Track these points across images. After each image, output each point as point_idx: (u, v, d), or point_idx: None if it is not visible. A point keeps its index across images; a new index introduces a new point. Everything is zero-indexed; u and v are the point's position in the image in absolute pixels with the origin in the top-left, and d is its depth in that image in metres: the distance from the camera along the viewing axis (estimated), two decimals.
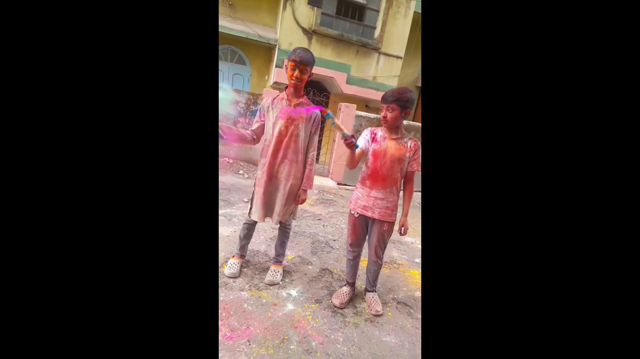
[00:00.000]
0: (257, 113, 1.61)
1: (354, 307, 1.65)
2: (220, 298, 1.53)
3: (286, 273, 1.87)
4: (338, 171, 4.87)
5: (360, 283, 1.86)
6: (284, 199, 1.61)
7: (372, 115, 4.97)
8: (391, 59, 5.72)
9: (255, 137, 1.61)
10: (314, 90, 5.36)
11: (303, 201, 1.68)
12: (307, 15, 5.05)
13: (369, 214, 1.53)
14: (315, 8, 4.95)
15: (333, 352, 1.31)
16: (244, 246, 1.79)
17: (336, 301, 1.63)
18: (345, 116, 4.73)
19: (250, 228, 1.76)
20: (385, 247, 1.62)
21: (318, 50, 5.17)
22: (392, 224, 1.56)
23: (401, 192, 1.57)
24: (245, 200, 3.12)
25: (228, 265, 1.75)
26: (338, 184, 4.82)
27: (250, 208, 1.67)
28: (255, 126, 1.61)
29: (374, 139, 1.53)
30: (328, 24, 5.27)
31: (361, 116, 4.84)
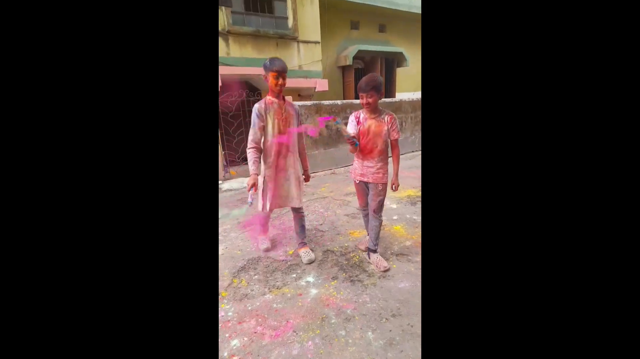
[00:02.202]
0: (256, 120, 1.78)
1: (364, 271, 1.86)
2: (249, 307, 1.57)
3: (295, 265, 1.97)
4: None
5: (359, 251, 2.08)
6: (297, 184, 1.94)
7: (309, 103, 5.14)
8: (310, 45, 5.90)
9: (261, 144, 1.83)
10: (247, 91, 5.25)
11: (309, 177, 2.12)
12: (219, 17, 4.85)
13: (365, 179, 1.86)
14: (225, 8, 4.78)
15: (367, 311, 1.50)
16: (265, 225, 2.25)
17: (362, 246, 2.11)
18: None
19: (266, 216, 2.14)
20: (381, 205, 1.89)
21: (238, 50, 5.05)
22: (385, 184, 1.85)
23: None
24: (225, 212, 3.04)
25: (260, 241, 2.24)
26: None
27: (260, 202, 1.94)
28: (258, 133, 1.80)
29: (358, 122, 1.81)
30: (240, 22, 5.15)
31: (300, 105, 4.97)
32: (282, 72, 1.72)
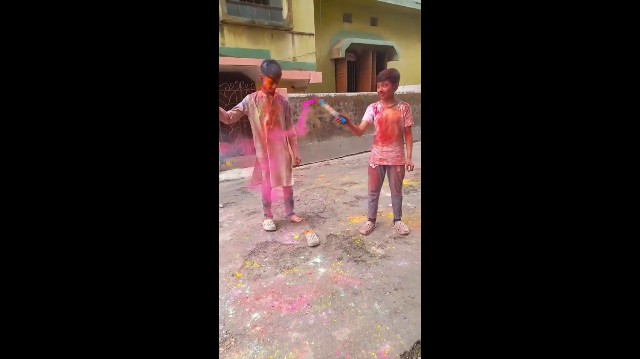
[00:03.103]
0: (241, 105, 2.03)
1: (366, 253, 2.03)
2: (264, 286, 1.71)
3: (303, 249, 2.12)
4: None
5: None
6: (287, 166, 2.28)
7: (303, 95, 5.21)
8: (305, 37, 5.93)
9: (231, 119, 1.99)
10: (242, 82, 5.26)
11: (299, 161, 2.41)
12: None
13: (385, 163, 2.12)
14: None
15: (372, 286, 1.67)
16: (269, 209, 2.46)
17: (363, 230, 2.29)
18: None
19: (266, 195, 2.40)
20: (401, 184, 2.20)
21: (233, 41, 5.02)
22: (402, 166, 2.12)
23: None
24: (221, 205, 3.13)
25: (265, 224, 2.43)
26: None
27: (254, 181, 2.28)
28: (235, 112, 2.01)
29: (376, 111, 2.03)
30: (235, 12, 5.10)
31: (293, 97, 5.04)
32: (276, 78, 1.96)
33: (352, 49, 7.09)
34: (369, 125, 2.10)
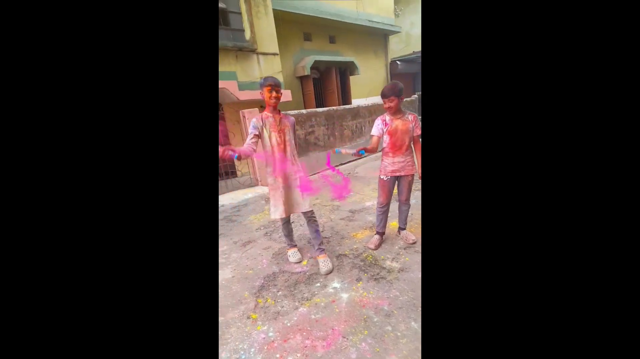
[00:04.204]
0: (253, 129, 1.90)
1: (383, 268, 1.97)
2: (287, 324, 1.55)
3: (316, 275, 1.98)
4: (264, 176, 4.91)
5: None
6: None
7: None
8: (269, 57, 5.92)
9: (254, 149, 1.89)
10: None
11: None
12: None
13: (398, 174, 2.11)
14: None
15: (402, 304, 1.60)
16: (291, 238, 2.26)
17: (371, 245, 2.25)
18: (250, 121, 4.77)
19: (287, 224, 2.19)
20: (410, 193, 2.21)
21: None
22: (413, 175, 2.14)
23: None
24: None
25: (290, 254, 2.22)
26: None
27: (273, 209, 1.99)
28: (253, 140, 1.90)
29: (385, 124, 2.04)
30: None
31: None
32: (274, 86, 1.86)
33: (315, 66, 7.25)
34: (380, 139, 2.09)
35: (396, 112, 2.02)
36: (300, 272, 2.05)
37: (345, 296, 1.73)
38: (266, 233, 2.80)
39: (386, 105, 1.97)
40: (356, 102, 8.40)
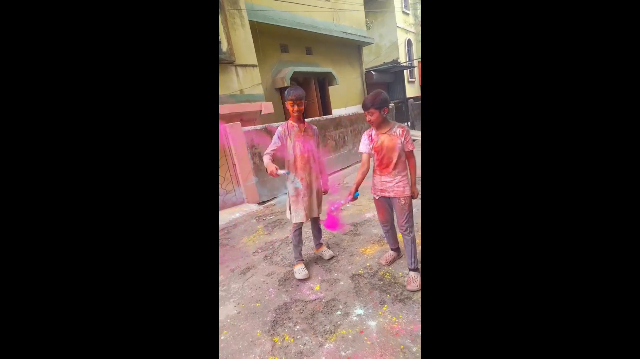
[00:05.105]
0: (277, 140, 1.96)
1: (404, 287, 1.82)
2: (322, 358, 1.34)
3: (333, 301, 1.79)
4: (251, 192, 4.65)
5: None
6: (319, 198, 2.16)
7: (259, 127, 4.93)
8: (248, 69, 5.73)
9: (271, 154, 1.93)
10: None
11: (327, 191, 2.27)
12: None
13: (386, 194, 1.85)
14: None
15: None
16: (299, 251, 2.18)
17: (384, 261, 2.10)
18: (235, 136, 4.54)
19: (299, 232, 2.15)
20: (408, 217, 1.81)
21: None
22: (407, 197, 1.80)
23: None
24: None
25: (296, 271, 2.11)
26: (259, 204, 4.61)
27: (294, 214, 2.05)
28: (274, 147, 1.95)
29: (371, 140, 1.77)
30: None
31: (248, 130, 4.73)
32: (296, 100, 1.92)
33: (294, 77, 7.17)
34: (370, 156, 1.84)
35: (380, 125, 1.75)
36: (315, 299, 1.84)
37: (372, 323, 1.55)
38: (265, 256, 2.56)
39: (367, 119, 1.75)
40: (336, 111, 8.41)
